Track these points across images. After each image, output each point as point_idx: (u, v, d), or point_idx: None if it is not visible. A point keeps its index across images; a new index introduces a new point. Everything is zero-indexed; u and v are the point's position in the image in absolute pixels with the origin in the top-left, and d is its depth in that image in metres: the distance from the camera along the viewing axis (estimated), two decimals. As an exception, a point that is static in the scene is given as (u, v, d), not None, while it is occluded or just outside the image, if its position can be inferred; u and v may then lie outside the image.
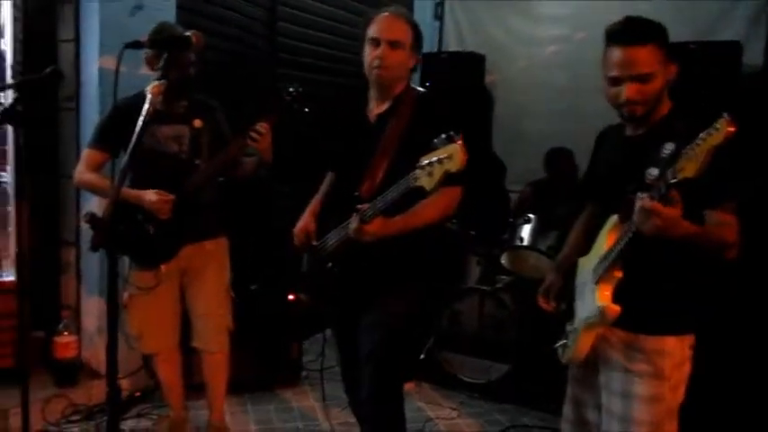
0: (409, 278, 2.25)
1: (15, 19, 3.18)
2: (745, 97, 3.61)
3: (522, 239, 3.86)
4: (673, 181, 1.49)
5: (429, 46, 5.49)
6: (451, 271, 4.10)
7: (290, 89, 2.64)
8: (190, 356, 3.08)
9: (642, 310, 1.80)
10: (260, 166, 2.76)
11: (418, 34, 2.27)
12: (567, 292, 2.08)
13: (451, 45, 5.49)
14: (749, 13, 4.21)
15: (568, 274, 2.09)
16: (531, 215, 3.89)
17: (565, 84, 4.96)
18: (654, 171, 1.68)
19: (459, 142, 1.83)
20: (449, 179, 1.92)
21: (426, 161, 1.85)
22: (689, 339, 1.84)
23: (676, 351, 1.81)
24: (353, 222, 2.08)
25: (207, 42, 2.05)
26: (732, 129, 1.40)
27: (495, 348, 3.70)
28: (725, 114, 1.41)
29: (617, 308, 1.77)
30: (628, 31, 1.77)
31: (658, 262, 1.77)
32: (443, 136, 1.86)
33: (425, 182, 1.86)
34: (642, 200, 1.60)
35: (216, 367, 2.97)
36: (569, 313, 2.02)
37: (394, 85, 2.24)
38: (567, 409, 2.11)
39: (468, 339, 3.78)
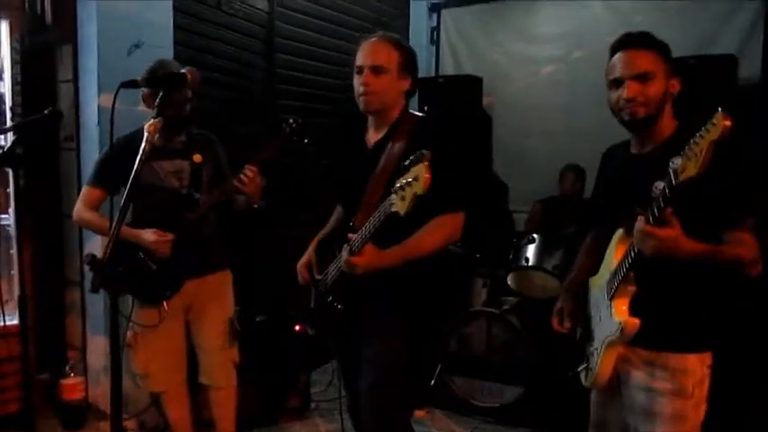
0: (402, 309, 2.14)
1: (14, 61, 3.21)
2: (742, 110, 3.60)
3: (527, 259, 3.83)
4: (675, 183, 1.49)
5: (425, 70, 5.53)
6: (450, 297, 4.05)
7: (290, 121, 2.65)
8: (197, 393, 3.05)
9: (663, 328, 1.80)
10: (249, 205, 2.75)
11: (407, 56, 2.20)
12: (581, 314, 2.05)
13: (448, 69, 5.52)
14: (743, 28, 4.24)
15: (580, 295, 2.07)
16: (534, 235, 3.87)
17: (563, 103, 4.98)
18: (660, 184, 1.66)
19: (425, 162, 1.74)
20: (448, 205, 1.91)
21: (398, 184, 1.78)
22: (707, 357, 1.83)
23: (697, 369, 1.80)
24: (344, 254, 2.02)
25: (204, 77, 2.06)
26: (728, 122, 1.41)
27: (506, 371, 3.66)
28: (719, 108, 1.42)
29: (636, 321, 1.76)
30: (631, 37, 1.86)
31: (678, 278, 1.77)
32: (412, 157, 1.78)
33: (399, 206, 1.77)
34: (638, 221, 1.62)
35: (224, 402, 2.94)
36: (587, 335, 2.00)
37: (387, 111, 2.18)
38: None
39: (478, 363, 3.74)
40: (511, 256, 3.94)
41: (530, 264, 3.82)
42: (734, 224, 1.70)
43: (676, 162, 1.58)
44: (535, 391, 3.56)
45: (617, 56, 1.86)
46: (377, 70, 2.12)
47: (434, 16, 5.66)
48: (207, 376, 2.89)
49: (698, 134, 1.44)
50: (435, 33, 5.65)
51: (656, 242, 1.58)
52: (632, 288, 1.78)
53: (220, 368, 2.88)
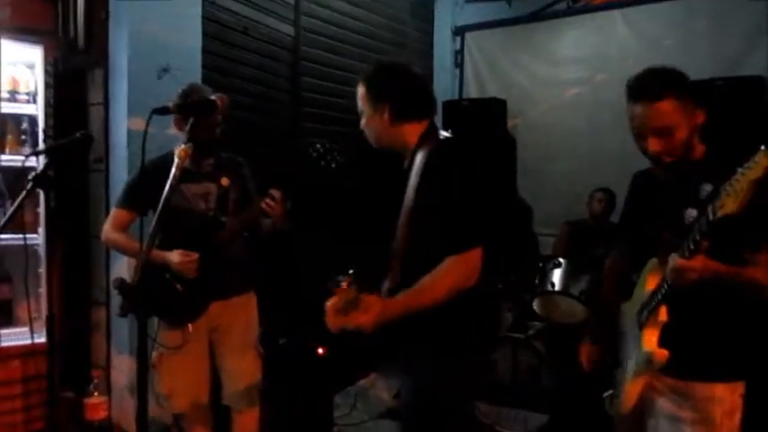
0: (420, 354, 1.95)
1: (47, 85, 3.27)
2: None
3: (553, 284, 3.79)
4: (712, 218, 1.47)
5: (450, 93, 5.55)
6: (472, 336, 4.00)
7: (317, 145, 2.66)
8: (220, 415, 3.04)
9: (691, 356, 1.76)
10: (274, 228, 2.76)
11: (371, 86, 2.05)
12: (611, 342, 2.03)
13: (472, 92, 5.53)
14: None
15: (611, 322, 2.04)
16: (561, 259, 3.84)
17: (587, 125, 4.96)
18: (692, 212, 1.68)
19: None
20: (455, 245, 1.76)
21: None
22: (740, 387, 1.78)
23: (726, 398, 1.76)
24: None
25: (231, 100, 2.08)
26: None
27: (532, 397, 3.61)
28: (763, 147, 1.38)
29: (665, 352, 1.73)
30: (643, 87, 1.76)
31: (705, 307, 1.74)
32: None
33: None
34: (672, 259, 1.62)
35: (246, 425, 2.93)
36: (615, 361, 1.98)
37: (393, 145, 2.05)
38: None
39: (504, 389, 3.69)
40: (536, 281, 3.90)
41: (555, 288, 3.78)
42: (761, 246, 1.66)
43: (707, 188, 1.56)
44: (561, 417, 3.50)
45: (634, 108, 1.77)
46: (360, 113, 2.06)
47: (458, 39, 5.70)
48: (230, 399, 2.89)
49: (739, 171, 1.40)
50: (459, 56, 5.68)
51: (696, 274, 1.58)
52: (663, 319, 1.75)
53: (243, 391, 2.87)
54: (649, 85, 1.75)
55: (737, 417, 1.79)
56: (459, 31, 5.68)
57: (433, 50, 5.69)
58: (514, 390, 3.66)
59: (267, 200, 2.57)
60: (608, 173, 4.37)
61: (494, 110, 4.92)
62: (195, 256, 2.59)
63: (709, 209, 1.48)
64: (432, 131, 1.99)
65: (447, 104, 4.99)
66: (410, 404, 2.01)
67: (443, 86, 5.65)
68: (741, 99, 3.61)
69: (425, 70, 5.63)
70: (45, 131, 3.26)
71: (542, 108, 5.27)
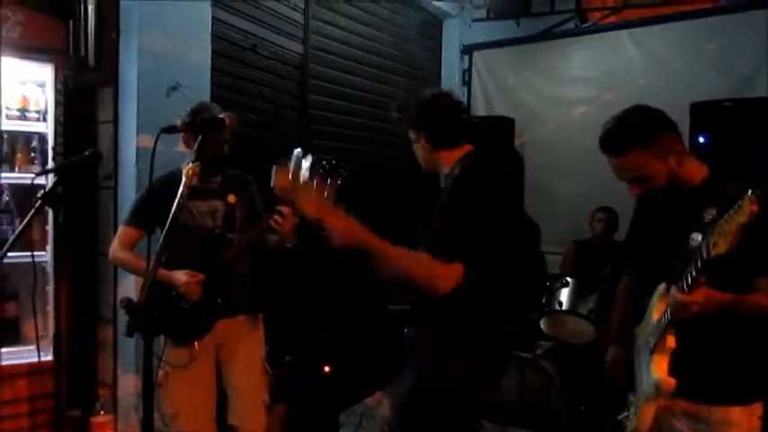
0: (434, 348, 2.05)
1: (57, 102, 3.29)
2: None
3: (560, 303, 3.77)
4: (706, 257, 1.50)
5: (458, 111, 5.55)
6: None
7: (323, 162, 2.66)
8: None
9: (705, 380, 1.76)
10: (281, 244, 2.75)
11: (407, 113, 2.18)
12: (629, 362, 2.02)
13: (480, 110, 5.54)
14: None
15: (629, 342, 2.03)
16: (568, 278, 3.81)
17: (594, 144, 4.90)
18: (697, 236, 1.68)
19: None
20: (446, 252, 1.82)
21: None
22: (757, 409, 1.77)
23: (743, 421, 1.74)
24: None
25: (239, 117, 2.09)
26: (755, 208, 1.38)
27: (539, 418, 3.57)
28: (750, 192, 1.39)
29: (672, 381, 1.73)
30: (609, 142, 1.81)
31: (714, 331, 1.73)
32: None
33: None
34: (672, 292, 1.65)
35: (253, 444, 2.90)
36: (630, 384, 1.97)
37: (436, 169, 2.15)
38: None
39: (511, 409, 3.66)
40: (544, 300, 3.88)
41: (563, 308, 3.75)
42: (765, 273, 1.67)
43: (711, 212, 1.57)
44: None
45: (608, 158, 1.84)
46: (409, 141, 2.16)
47: (466, 58, 5.72)
48: (236, 417, 2.86)
49: (728, 213, 1.43)
50: (467, 75, 5.69)
51: (698, 307, 1.61)
52: (672, 344, 1.75)
53: (250, 410, 2.85)
54: (615, 140, 1.80)
55: None
56: (468, 50, 5.70)
57: (441, 69, 5.71)
58: (521, 409, 3.62)
59: (275, 216, 2.57)
60: (615, 192, 4.27)
61: (502, 128, 4.92)
62: (201, 276, 2.59)
63: (703, 247, 1.50)
64: (469, 156, 2.08)
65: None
66: (410, 391, 2.07)
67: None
68: (750, 120, 3.59)
69: (433, 89, 5.64)
70: (54, 149, 3.28)
71: (550, 127, 5.27)
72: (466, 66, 5.71)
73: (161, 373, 2.67)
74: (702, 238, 1.54)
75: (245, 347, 2.82)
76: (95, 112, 3.47)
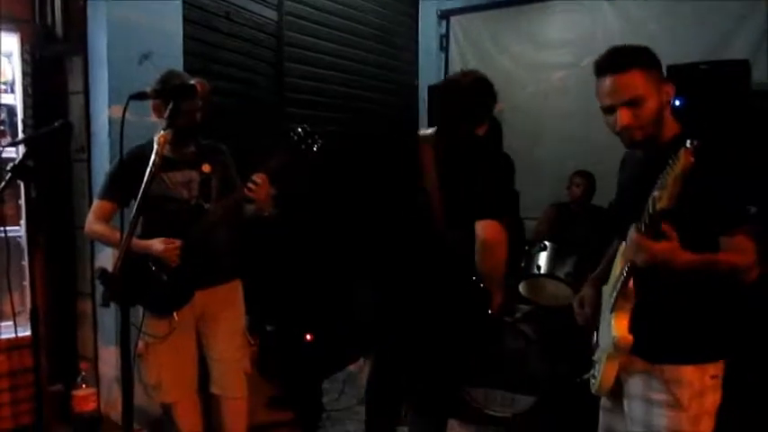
0: None
1: (25, 73, 3.22)
2: (755, 116, 3.58)
3: (539, 267, 3.80)
4: (651, 212, 1.50)
5: (435, 77, 5.52)
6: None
7: (298, 129, 2.65)
8: (209, 403, 3.04)
9: (659, 339, 1.77)
10: (258, 213, 2.74)
11: None
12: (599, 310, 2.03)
13: (458, 76, 5.50)
14: (757, 33, 4.20)
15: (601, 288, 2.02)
16: (546, 243, 3.84)
17: (574, 109, 4.95)
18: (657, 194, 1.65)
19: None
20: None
21: None
22: (711, 369, 1.77)
23: (695, 380, 1.75)
24: None
25: (213, 86, 2.05)
26: (690, 158, 1.39)
27: (519, 380, 3.63)
28: (687, 143, 1.41)
29: (629, 338, 1.74)
30: (612, 60, 1.78)
31: (672, 289, 1.74)
32: None
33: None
34: (631, 232, 1.63)
35: (235, 413, 2.92)
36: (596, 343, 1.99)
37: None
38: None
39: (491, 372, 3.71)
40: (522, 264, 3.91)
41: (542, 272, 3.79)
42: (730, 230, 1.67)
43: (654, 194, 1.56)
44: (548, 400, 3.53)
45: (603, 82, 1.78)
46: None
47: (443, 23, 5.66)
48: (218, 386, 2.88)
49: (669, 166, 1.43)
50: (444, 40, 5.65)
51: (649, 255, 1.58)
52: (630, 302, 1.75)
53: (232, 378, 2.87)
54: (617, 58, 1.77)
55: (710, 399, 1.78)
56: (445, 15, 5.65)
57: (418, 35, 5.66)
58: (501, 372, 3.67)
59: (250, 184, 2.55)
60: (594, 157, 4.37)
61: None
62: (178, 242, 2.57)
63: (650, 202, 1.50)
64: None
65: (432, 89, 4.97)
66: None
67: (429, 70, 5.62)
68: (725, 83, 3.61)
69: (410, 54, 5.60)
70: (24, 121, 3.21)
71: (528, 92, 5.26)
72: (443, 31, 5.66)
73: (141, 344, 2.67)
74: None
75: (225, 317, 2.82)
76: (65, 82, 3.39)
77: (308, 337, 3.69)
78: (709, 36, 4.32)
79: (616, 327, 1.77)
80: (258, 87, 4.11)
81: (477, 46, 5.51)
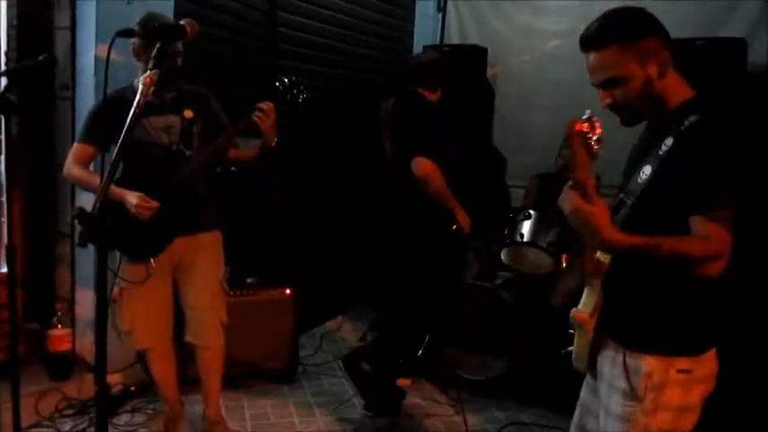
0: None
1: (9, 5, 3.12)
2: (751, 95, 3.56)
3: (522, 235, 3.80)
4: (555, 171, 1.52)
5: (431, 38, 5.45)
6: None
7: (284, 80, 2.61)
8: (183, 351, 3.04)
9: (628, 322, 1.69)
10: (263, 148, 2.71)
11: None
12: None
13: (454, 38, 5.43)
14: (754, 11, 4.15)
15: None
16: (531, 211, 3.84)
17: (568, 77, 4.88)
18: (647, 169, 1.59)
19: None
20: None
21: None
22: (678, 363, 1.63)
23: (656, 372, 1.63)
24: None
25: (204, 32, 1.99)
26: (575, 128, 1.48)
27: (495, 345, 3.67)
28: (586, 113, 1.45)
29: (583, 316, 1.69)
30: (588, 35, 1.65)
31: (648, 271, 1.61)
32: None
33: None
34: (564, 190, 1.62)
35: (210, 362, 2.93)
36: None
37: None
38: (576, 413, 2.00)
39: (468, 336, 3.75)
40: (506, 232, 3.91)
41: (524, 240, 3.79)
42: (698, 211, 1.50)
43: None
44: (521, 365, 3.57)
45: (587, 57, 1.67)
46: None
47: (443, -17, 5.55)
48: (194, 335, 2.88)
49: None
50: (443, 1, 5.55)
51: (570, 207, 1.57)
52: (598, 278, 1.67)
53: (208, 328, 2.86)
54: (595, 32, 1.64)
55: (672, 393, 1.63)
56: (444, -25, 5.53)
57: (416, -6, 5.56)
58: (478, 337, 3.71)
59: (257, 113, 2.52)
60: (584, 127, 4.34)
61: (474, 57, 4.84)
62: (155, 204, 2.53)
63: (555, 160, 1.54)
64: None
65: (427, 49, 4.90)
66: None
67: (426, 32, 5.54)
68: (721, 60, 3.57)
69: (408, 15, 5.51)
70: (7, 54, 3.13)
71: (524, 58, 5.18)
72: (442, -9, 5.56)
73: (116, 288, 2.66)
74: (660, 163, 1.50)
75: (202, 264, 2.80)
76: (51, 16, 3.29)
77: (288, 291, 3.69)
78: (707, 13, 4.27)
79: (583, 302, 1.71)
80: (251, 36, 4.02)
81: (474, 9, 5.41)
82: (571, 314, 1.73)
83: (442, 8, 5.56)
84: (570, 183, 1.60)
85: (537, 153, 4.75)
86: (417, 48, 5.43)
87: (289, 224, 4.29)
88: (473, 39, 5.26)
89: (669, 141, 1.54)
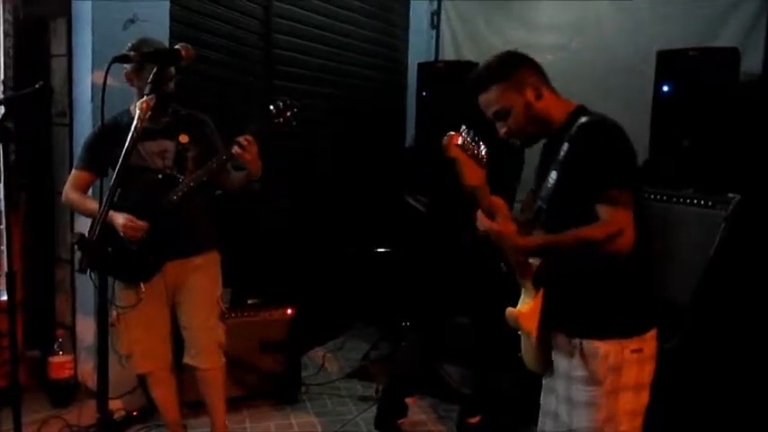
0: None
1: (6, 34, 3.15)
2: (744, 105, 3.58)
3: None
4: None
5: (425, 55, 5.48)
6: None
7: (278, 102, 2.62)
8: (186, 374, 3.03)
9: (575, 314, 1.81)
10: (249, 179, 2.72)
11: None
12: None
13: (448, 54, 5.46)
14: (747, 20, 4.18)
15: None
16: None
17: (562, 91, 4.90)
18: (554, 174, 1.78)
19: None
20: None
21: None
22: (630, 344, 1.77)
23: (611, 354, 1.75)
24: None
25: (199, 55, 2.01)
26: (451, 141, 1.66)
27: (494, 362, 3.63)
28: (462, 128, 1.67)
29: (512, 314, 1.87)
30: (473, 83, 1.91)
31: (580, 265, 1.77)
32: None
33: None
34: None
35: (210, 382, 2.91)
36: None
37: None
38: (539, 420, 2.04)
39: (468, 352, 3.72)
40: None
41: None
42: (595, 199, 1.68)
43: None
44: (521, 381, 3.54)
45: (479, 98, 1.92)
46: None
47: (435, 1, 5.60)
48: (191, 357, 2.85)
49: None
50: (436, 18, 5.59)
51: (483, 229, 1.76)
52: (528, 279, 1.84)
53: (204, 348, 2.84)
54: (477, 80, 1.90)
55: (630, 373, 1.77)
56: (437, -7, 5.58)
57: (409, 11, 5.60)
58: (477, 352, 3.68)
59: (235, 147, 2.53)
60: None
61: (469, 73, 4.86)
62: (143, 225, 2.54)
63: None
64: None
65: (422, 66, 4.94)
66: None
67: (420, 48, 5.58)
68: (715, 70, 3.59)
69: (402, 31, 5.55)
70: (4, 83, 3.15)
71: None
72: (435, 8, 5.60)
73: (114, 313, 2.66)
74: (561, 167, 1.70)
75: (200, 288, 2.79)
76: (48, 44, 3.32)
77: (289, 311, 3.69)
78: (699, 22, 4.30)
79: (521, 301, 1.88)
80: (246, 58, 4.05)
81: (468, 25, 5.45)
82: (507, 311, 1.88)
83: (435, 25, 5.60)
84: (480, 208, 1.77)
85: (531, 167, 4.75)
86: (412, 65, 5.46)
87: (289, 244, 4.29)
88: (467, 54, 5.29)
89: (565, 147, 1.75)
